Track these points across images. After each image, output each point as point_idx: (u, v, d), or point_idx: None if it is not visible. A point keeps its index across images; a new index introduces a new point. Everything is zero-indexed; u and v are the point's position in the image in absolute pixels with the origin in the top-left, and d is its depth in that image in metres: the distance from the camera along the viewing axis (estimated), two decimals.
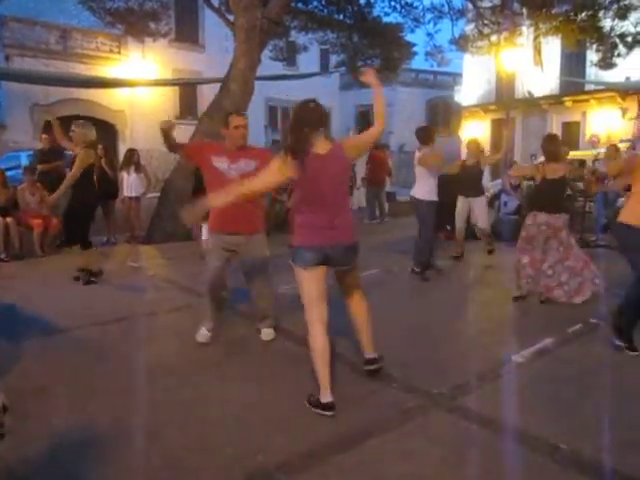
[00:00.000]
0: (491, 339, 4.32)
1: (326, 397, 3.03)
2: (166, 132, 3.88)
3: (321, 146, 3.00)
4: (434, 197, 6.23)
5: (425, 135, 6.41)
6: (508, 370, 3.73)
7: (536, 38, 13.57)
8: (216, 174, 3.96)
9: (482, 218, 7.50)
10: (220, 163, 3.98)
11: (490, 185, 14.94)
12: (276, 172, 3.01)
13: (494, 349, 4.08)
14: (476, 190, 7.40)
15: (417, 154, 6.41)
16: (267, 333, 4.36)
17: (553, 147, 5.29)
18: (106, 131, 17.41)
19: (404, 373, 3.57)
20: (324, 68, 23.97)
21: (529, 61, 17.09)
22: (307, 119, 2.98)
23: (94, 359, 3.85)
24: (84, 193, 5.94)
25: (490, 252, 7.69)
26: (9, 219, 7.50)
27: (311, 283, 3.12)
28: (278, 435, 2.79)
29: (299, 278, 3.15)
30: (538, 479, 2.47)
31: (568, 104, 19.49)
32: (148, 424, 2.91)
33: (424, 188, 6.26)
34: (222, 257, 4.09)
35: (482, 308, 5.34)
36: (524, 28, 14.24)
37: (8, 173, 8.76)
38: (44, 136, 9.25)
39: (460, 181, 7.38)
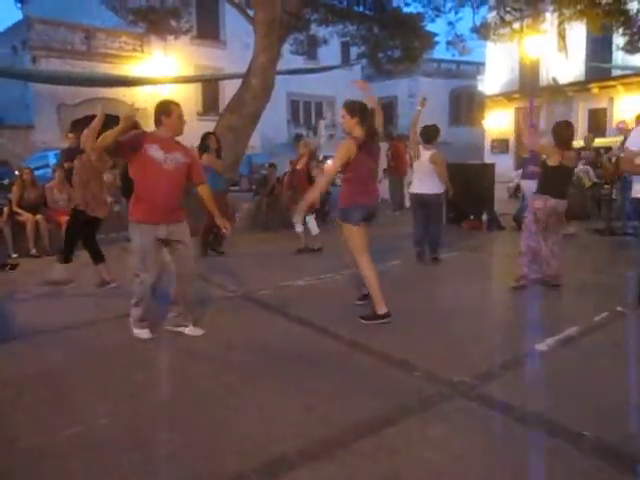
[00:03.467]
0: (514, 327, 4.30)
1: (382, 309, 4.34)
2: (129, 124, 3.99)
3: None
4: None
5: (434, 134, 6.58)
6: (531, 358, 3.70)
7: (560, 24, 13.32)
8: (152, 164, 3.95)
9: None
10: (156, 152, 3.96)
11: (514, 175, 14.78)
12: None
13: (517, 337, 4.06)
14: None
15: (423, 152, 6.51)
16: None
17: (569, 133, 5.28)
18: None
19: (425, 361, 3.58)
20: (345, 61, 23.90)
21: (553, 47, 16.79)
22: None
23: (122, 350, 3.95)
24: None
25: None
26: (39, 216, 7.70)
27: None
28: (301, 423, 2.83)
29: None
30: (561, 466, 2.46)
31: (594, 90, 19.10)
32: (170, 410, 2.99)
33: (437, 183, 6.56)
34: None
35: (506, 296, 5.31)
36: (547, 14, 13.99)
37: (37, 172, 8.99)
38: (70, 135, 9.44)
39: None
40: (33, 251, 7.57)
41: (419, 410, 2.95)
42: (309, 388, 3.24)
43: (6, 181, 9.81)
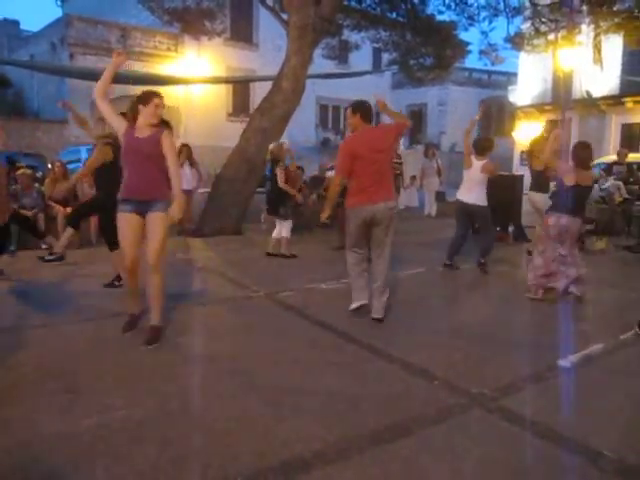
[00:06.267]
0: (538, 342, 4.25)
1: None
2: None
3: None
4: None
5: (488, 146, 6.76)
6: (553, 374, 3.65)
7: (596, 36, 13.14)
8: None
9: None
10: None
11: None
12: None
13: (540, 352, 4.01)
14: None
15: (475, 162, 6.60)
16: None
17: (587, 154, 5.41)
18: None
19: (446, 371, 3.56)
20: (376, 66, 23.90)
21: (588, 60, 16.54)
22: None
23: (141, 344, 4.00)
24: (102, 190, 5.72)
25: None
26: (69, 209, 7.84)
27: None
28: (317, 425, 2.83)
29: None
30: None
31: (629, 105, 18.76)
32: (188, 407, 3.03)
33: (483, 194, 6.59)
34: None
35: (530, 310, 5.24)
36: (583, 26, 13.80)
37: (69, 166, 9.18)
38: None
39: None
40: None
41: (438, 420, 2.93)
42: (328, 391, 3.25)
43: (40, 174, 10.03)
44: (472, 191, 6.60)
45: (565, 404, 3.18)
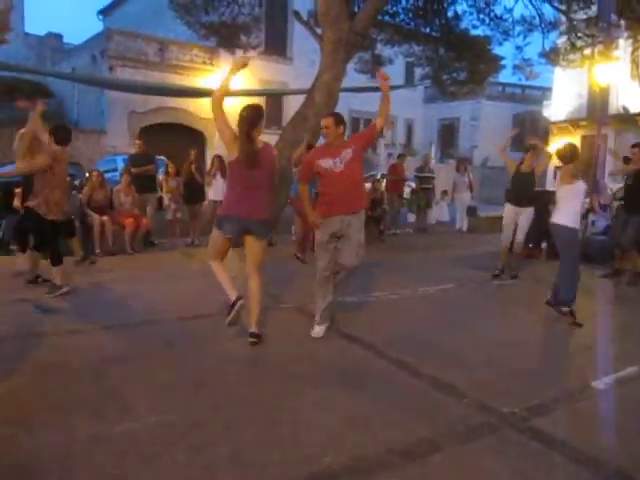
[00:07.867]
0: (572, 362, 4.18)
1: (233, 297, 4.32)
2: None
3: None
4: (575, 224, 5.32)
5: (567, 154, 5.45)
6: (587, 395, 3.59)
7: (634, 51, 12.90)
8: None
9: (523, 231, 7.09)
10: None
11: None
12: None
13: (574, 373, 3.95)
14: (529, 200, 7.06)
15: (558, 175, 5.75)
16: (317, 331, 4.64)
17: None
18: (195, 138, 18.24)
19: (476, 389, 3.52)
20: (409, 81, 23.89)
21: (625, 75, 16.24)
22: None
23: (178, 352, 4.07)
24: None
25: (512, 277, 7.13)
26: (105, 217, 8.04)
27: None
28: (347, 439, 2.83)
29: None
30: None
31: None
32: (217, 417, 3.06)
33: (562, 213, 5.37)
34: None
35: (563, 330, 5.14)
36: (621, 40, 13.57)
37: (106, 175, 9.40)
38: (137, 142, 9.87)
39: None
40: (97, 251, 7.90)
41: (467, 439, 2.90)
42: (357, 405, 3.25)
43: (77, 182, 10.30)
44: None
45: (598, 427, 3.12)
